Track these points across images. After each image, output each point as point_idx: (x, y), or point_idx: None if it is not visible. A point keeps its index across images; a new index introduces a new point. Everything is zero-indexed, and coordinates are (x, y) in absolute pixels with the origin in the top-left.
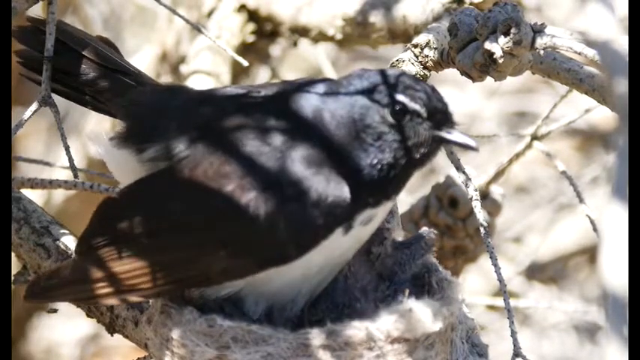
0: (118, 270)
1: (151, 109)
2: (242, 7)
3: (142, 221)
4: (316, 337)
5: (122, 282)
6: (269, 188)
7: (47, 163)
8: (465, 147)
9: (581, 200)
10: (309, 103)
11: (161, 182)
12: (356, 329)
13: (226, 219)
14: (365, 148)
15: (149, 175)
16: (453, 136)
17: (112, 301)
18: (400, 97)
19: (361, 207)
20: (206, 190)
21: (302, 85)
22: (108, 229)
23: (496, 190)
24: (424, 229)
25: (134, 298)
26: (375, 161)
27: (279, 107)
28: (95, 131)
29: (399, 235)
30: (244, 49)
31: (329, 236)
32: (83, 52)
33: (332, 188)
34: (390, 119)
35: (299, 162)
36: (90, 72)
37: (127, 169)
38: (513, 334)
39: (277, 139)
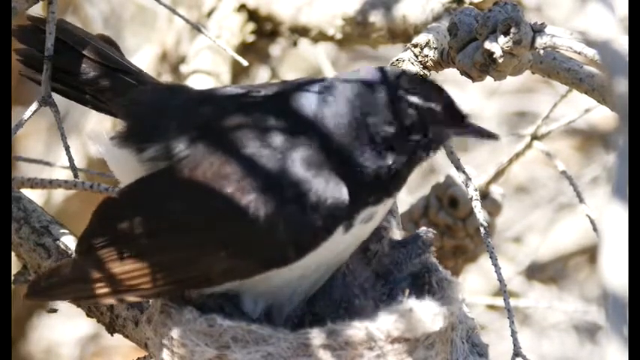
0: (118, 270)
1: (152, 109)
2: (242, 7)
3: (142, 221)
4: (316, 336)
5: (122, 282)
6: (269, 190)
7: (47, 163)
8: (483, 138)
9: (581, 200)
10: (309, 102)
11: (161, 182)
12: (356, 329)
13: (226, 220)
14: (366, 145)
15: (149, 175)
16: (468, 130)
17: (112, 300)
18: (403, 94)
19: (362, 205)
20: (206, 190)
21: (302, 85)
22: (108, 229)
23: (496, 190)
24: (422, 229)
25: (134, 298)
26: (377, 159)
27: (279, 107)
28: (95, 130)
29: (399, 235)
30: (244, 48)
31: (329, 238)
32: (83, 51)
33: (331, 190)
34: (393, 116)
35: (299, 163)
36: (90, 71)
37: (127, 169)
38: (513, 333)
39: (277, 140)
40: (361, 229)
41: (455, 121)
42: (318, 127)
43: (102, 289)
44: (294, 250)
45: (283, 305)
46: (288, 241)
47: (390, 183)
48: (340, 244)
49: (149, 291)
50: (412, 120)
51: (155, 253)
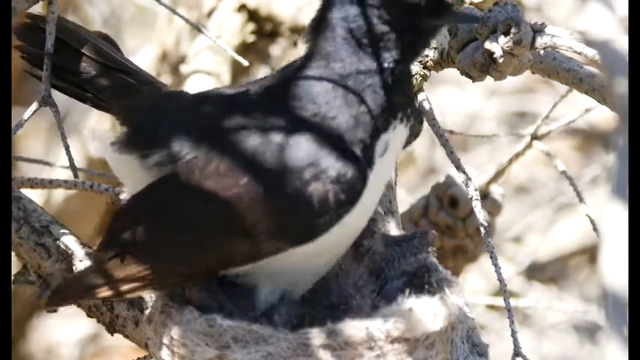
0: (144, 267)
1: (150, 114)
2: (242, 7)
3: (166, 220)
4: (316, 336)
5: (147, 277)
6: (287, 172)
7: (47, 163)
8: (470, 21)
9: (581, 200)
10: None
11: (175, 183)
12: (356, 329)
13: (249, 205)
14: (363, 52)
15: (161, 179)
16: (454, 17)
17: (140, 293)
18: None
19: (375, 134)
20: (223, 182)
21: (297, 66)
22: (129, 234)
23: (496, 190)
24: (421, 229)
25: (158, 290)
26: (377, 61)
27: (277, 94)
28: (95, 130)
29: (396, 233)
30: (244, 49)
31: (351, 210)
32: (83, 50)
33: (349, 163)
34: (388, 16)
35: (311, 144)
36: (90, 70)
37: (133, 175)
38: (513, 333)
39: (281, 128)
40: (380, 167)
41: (442, 10)
42: (320, 100)
43: (128, 286)
44: (320, 226)
45: (294, 290)
46: (312, 219)
47: (392, 97)
48: (364, 195)
49: (176, 279)
50: (401, 14)
51: (180, 248)
